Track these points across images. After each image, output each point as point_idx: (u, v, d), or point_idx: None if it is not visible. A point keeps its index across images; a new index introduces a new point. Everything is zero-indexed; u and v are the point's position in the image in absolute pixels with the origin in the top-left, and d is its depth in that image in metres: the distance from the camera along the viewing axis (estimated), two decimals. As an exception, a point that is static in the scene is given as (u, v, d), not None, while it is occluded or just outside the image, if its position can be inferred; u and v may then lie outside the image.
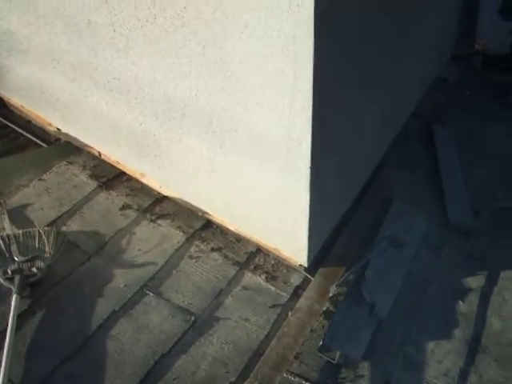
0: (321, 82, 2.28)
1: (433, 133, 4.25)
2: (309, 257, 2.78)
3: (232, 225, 2.97)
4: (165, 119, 2.81)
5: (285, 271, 2.89)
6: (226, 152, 2.69)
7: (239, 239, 3.00)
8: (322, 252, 2.93)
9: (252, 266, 2.89)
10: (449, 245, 3.34)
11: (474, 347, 2.87)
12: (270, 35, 2.26)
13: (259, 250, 2.95)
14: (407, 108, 4.23)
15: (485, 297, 3.13)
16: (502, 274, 3.29)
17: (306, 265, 2.80)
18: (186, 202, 3.07)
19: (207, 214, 3.02)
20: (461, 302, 3.04)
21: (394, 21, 3.14)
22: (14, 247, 2.79)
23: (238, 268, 2.87)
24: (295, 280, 2.86)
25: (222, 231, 3.04)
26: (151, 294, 2.72)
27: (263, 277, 2.84)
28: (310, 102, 2.30)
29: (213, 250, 2.94)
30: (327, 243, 2.99)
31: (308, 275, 2.84)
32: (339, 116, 2.67)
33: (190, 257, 2.90)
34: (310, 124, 2.35)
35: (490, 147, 4.39)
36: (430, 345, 2.82)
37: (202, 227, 3.05)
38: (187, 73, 2.59)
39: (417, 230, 3.31)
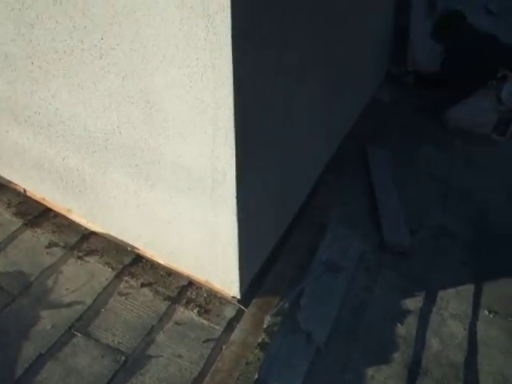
0: (244, 109, 2.24)
1: (367, 153, 4.23)
2: (241, 288, 2.71)
3: (162, 259, 2.89)
4: (87, 153, 2.72)
5: (218, 304, 2.81)
6: (152, 185, 2.62)
7: (170, 273, 2.92)
8: (255, 281, 2.87)
9: (184, 300, 2.81)
10: (386, 267, 3.32)
11: (414, 370, 2.84)
12: (188, 64, 2.21)
13: (191, 284, 2.88)
14: (342, 130, 4.22)
15: (424, 318, 3.12)
16: (440, 293, 3.28)
17: (238, 296, 2.74)
18: (115, 237, 2.98)
19: (136, 248, 2.94)
20: (399, 325, 3.00)
21: (324, 42, 3.14)
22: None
23: (169, 303, 2.78)
24: (229, 312, 2.78)
25: (153, 266, 2.95)
26: (79, 334, 2.62)
27: (195, 311, 2.76)
28: (233, 132, 2.26)
29: (143, 285, 2.85)
30: (261, 272, 2.93)
31: (242, 307, 2.77)
32: (267, 143, 2.62)
33: (120, 294, 2.80)
34: (234, 154, 2.30)
35: (424, 165, 4.42)
36: (370, 370, 2.78)
37: (132, 262, 2.96)
38: (107, 105, 2.52)
39: (353, 253, 3.28)
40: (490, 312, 3.24)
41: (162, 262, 2.90)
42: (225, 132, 2.26)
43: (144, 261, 2.97)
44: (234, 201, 2.41)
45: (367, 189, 3.91)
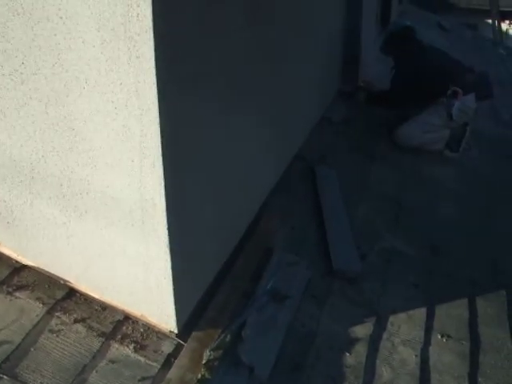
0: (172, 136, 2.13)
1: (315, 174, 4.13)
2: (179, 322, 2.58)
3: (96, 292, 2.74)
4: (13, 184, 2.58)
5: (155, 339, 2.67)
6: (81, 216, 2.48)
7: (105, 307, 2.77)
8: (195, 313, 2.74)
9: (119, 336, 2.66)
10: (334, 293, 3.22)
11: (363, 401, 2.72)
12: (112, 90, 2.10)
13: (127, 318, 2.73)
14: (290, 151, 4.12)
15: (373, 345, 3.01)
16: (391, 318, 3.19)
17: (176, 331, 2.60)
18: (46, 271, 2.82)
19: (69, 282, 2.78)
20: (348, 354, 2.89)
21: (266, 65, 3.07)
22: None
23: (103, 339, 2.63)
24: (166, 348, 2.64)
25: (87, 300, 2.80)
26: (5, 377, 2.45)
27: (131, 347, 2.61)
28: (160, 160, 2.14)
29: (76, 321, 2.69)
30: (202, 303, 2.80)
31: (180, 341, 2.63)
32: (202, 169, 2.52)
33: (51, 331, 2.64)
34: (163, 183, 2.18)
35: (375, 185, 4.34)
36: (317, 405, 2.66)
37: (65, 296, 2.80)
38: (32, 133, 2.38)
39: (299, 280, 3.17)
40: (442, 336, 3.16)
41: (96, 295, 2.75)
42: (152, 160, 2.14)
43: (78, 295, 2.82)
44: (166, 232, 2.28)
45: (316, 211, 3.81)
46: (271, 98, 3.41)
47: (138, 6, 1.93)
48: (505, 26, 18.83)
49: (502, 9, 16.03)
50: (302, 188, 4.04)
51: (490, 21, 16.31)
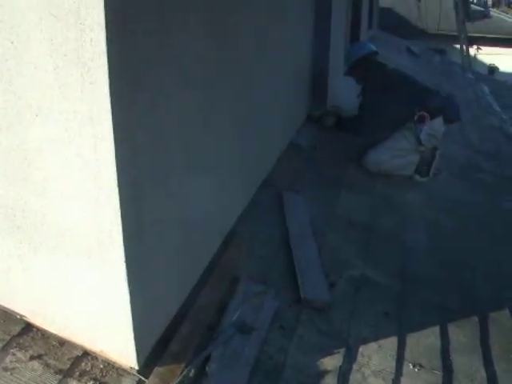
0: (129, 166, 2.04)
1: (283, 201, 4.06)
2: (139, 357, 2.47)
3: (54, 327, 2.63)
4: (-35, 215, 2.46)
5: (115, 375, 2.55)
6: (36, 249, 2.38)
7: (63, 343, 2.65)
8: (158, 348, 2.63)
9: (77, 373, 2.54)
10: (302, 324, 3.13)
11: None
12: (65, 118, 2.02)
13: (86, 354, 2.61)
14: (257, 178, 4.04)
15: (343, 377, 2.92)
16: (361, 349, 3.10)
17: (137, 367, 2.48)
18: (1, 305, 2.70)
19: (25, 317, 2.66)
20: (316, 387, 2.79)
21: (230, 88, 3.04)
22: None
23: (60, 377, 2.51)
24: (127, 385, 2.52)
25: (44, 335, 2.68)
26: (-44, 419, 2.32)
27: (90, 384, 2.49)
28: (117, 191, 2.04)
29: (32, 358, 2.57)
30: (164, 336, 2.69)
31: (142, 377, 2.52)
32: (162, 198, 2.43)
33: (5, 369, 2.51)
34: (119, 214, 2.08)
35: (345, 211, 4.28)
36: None
37: (21, 332, 2.67)
38: (-17, 162, 2.27)
39: (266, 311, 3.08)
40: (414, 366, 3.07)
41: (53, 330, 2.63)
42: (108, 191, 2.05)
43: (34, 330, 2.70)
44: (124, 265, 2.18)
45: (284, 239, 3.72)
46: (237, 123, 3.36)
47: (92, 31, 1.86)
48: (473, 51, 19.08)
49: (469, 34, 16.23)
50: (269, 215, 3.96)
51: (458, 46, 16.52)
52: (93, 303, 2.41)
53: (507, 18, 24.10)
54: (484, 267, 4.30)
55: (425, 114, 5.06)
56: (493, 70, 22.63)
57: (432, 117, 5.09)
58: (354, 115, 5.60)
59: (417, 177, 5.40)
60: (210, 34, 2.78)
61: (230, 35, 3.03)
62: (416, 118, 5.07)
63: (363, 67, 5.53)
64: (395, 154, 5.16)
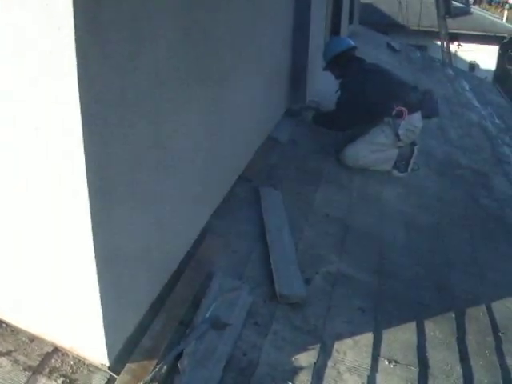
0: (98, 159, 1.98)
1: (260, 196, 4.02)
2: (110, 353, 2.43)
3: (24, 323, 2.57)
4: None
5: (86, 372, 2.51)
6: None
7: (33, 339, 2.60)
8: (130, 343, 2.58)
9: (47, 370, 2.49)
10: (277, 320, 3.09)
11: None
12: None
13: (56, 350, 2.56)
14: (233, 172, 4.00)
15: (318, 374, 2.89)
16: (337, 345, 3.07)
17: (107, 363, 2.44)
18: (-31, 300, 2.64)
19: (-6, 312, 2.61)
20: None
21: (203, 84, 2.99)
22: None
23: (30, 374, 2.46)
24: (98, 381, 2.48)
25: (13, 331, 2.63)
26: None
27: (60, 381, 2.44)
28: (85, 186, 1.99)
29: (1, 354, 2.51)
30: (137, 332, 2.65)
31: (113, 374, 2.47)
32: (132, 195, 2.39)
33: (-28, 365, 2.46)
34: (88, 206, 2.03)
35: (322, 206, 4.25)
36: None
37: (-11, 328, 2.62)
38: None
39: (241, 306, 3.04)
40: (390, 362, 3.05)
41: (23, 327, 2.58)
42: (74, 187, 2.00)
43: (4, 326, 2.65)
44: (93, 261, 2.13)
45: (260, 234, 3.69)
46: (211, 119, 3.31)
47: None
48: (454, 47, 19.14)
49: (450, 30, 16.27)
50: (245, 210, 3.92)
51: (439, 42, 16.56)
52: (63, 299, 2.36)
53: (488, 16, 24.24)
54: (462, 264, 4.29)
55: (403, 108, 5.04)
56: (473, 66, 22.75)
57: (410, 112, 5.07)
58: (331, 110, 5.56)
59: (395, 172, 5.38)
60: (182, 27, 2.73)
61: (203, 30, 2.98)
62: (394, 112, 5.03)
63: (341, 62, 5.50)
64: (373, 149, 5.14)
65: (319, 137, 5.59)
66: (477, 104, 10.11)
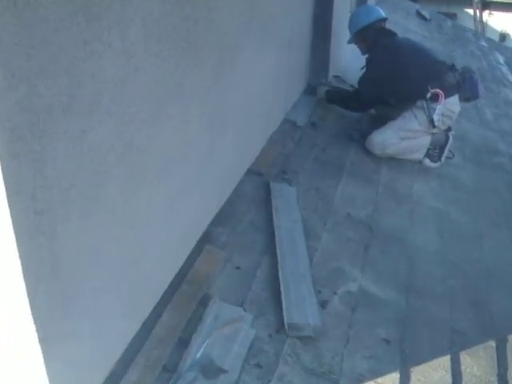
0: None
1: (271, 194, 3.42)
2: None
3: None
4: None
5: None
6: None
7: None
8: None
9: None
10: (285, 359, 2.52)
11: None
12: None
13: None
14: (241, 166, 3.40)
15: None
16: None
17: None
18: None
19: None
20: None
21: (205, 63, 2.37)
22: None
23: None
24: None
25: None
26: None
27: None
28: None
29: None
30: (110, 380, 2.07)
31: None
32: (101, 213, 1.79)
33: None
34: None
35: (343, 205, 3.65)
36: None
37: None
38: None
39: (240, 343, 2.48)
40: (419, 408, 2.46)
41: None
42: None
43: None
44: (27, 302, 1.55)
45: (269, 244, 3.10)
46: (211, 104, 2.70)
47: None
48: (484, 15, 18.36)
49: (483, -2, 15.48)
50: (253, 212, 3.33)
51: (470, 10, 15.79)
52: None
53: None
54: (502, 274, 3.68)
55: (439, 91, 4.38)
56: (504, 36, 21.93)
57: (447, 95, 4.41)
58: (349, 89, 4.92)
59: (427, 161, 4.75)
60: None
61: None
62: (429, 95, 4.38)
63: (369, 36, 4.83)
64: (404, 136, 4.51)
65: (342, 119, 4.96)
66: (512, 79, 9.38)
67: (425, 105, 4.45)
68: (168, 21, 2.05)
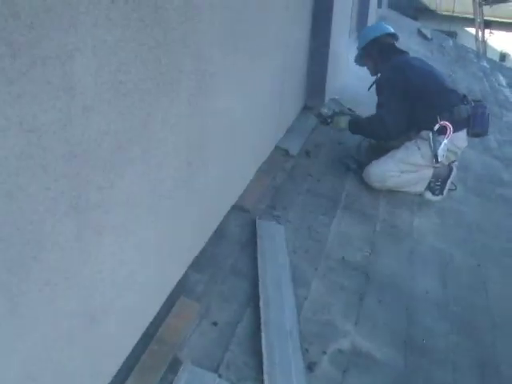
0: None
1: (257, 233, 3.07)
2: None
3: None
4: None
5: None
6: None
7: None
8: None
9: None
10: None
11: None
12: None
13: None
14: (225, 202, 3.06)
15: None
16: None
17: None
18: None
19: None
20: None
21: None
22: None
23: None
24: None
25: None
26: None
27: None
28: None
29: None
30: None
31: None
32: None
33: None
34: None
35: (336, 247, 3.31)
36: None
37: None
38: None
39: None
40: None
41: None
42: None
43: None
44: None
45: (252, 293, 2.75)
46: (194, 133, 2.36)
47: None
48: (486, 35, 18.16)
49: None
50: (236, 256, 2.99)
51: (470, 29, 15.55)
52: None
53: (523, 3, 22.97)
54: (509, 328, 3.33)
55: (448, 124, 4.02)
56: (504, 56, 21.74)
57: (456, 129, 4.05)
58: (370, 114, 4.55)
59: (428, 194, 4.40)
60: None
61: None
62: (437, 127, 4.03)
63: (378, 50, 4.47)
64: (405, 169, 4.15)
65: (339, 146, 4.62)
66: (516, 103, 9.06)
67: (431, 136, 4.09)
68: (130, 48, 1.70)
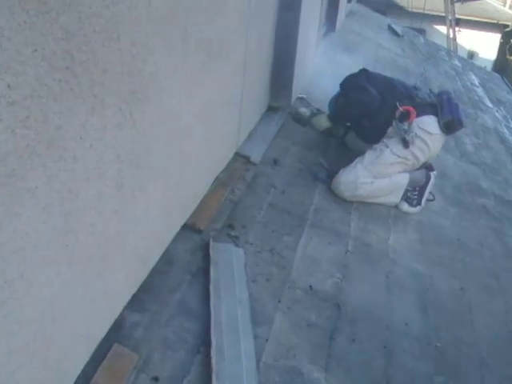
0: None
1: (210, 258, 2.62)
2: None
3: None
4: None
5: None
6: None
7: None
8: None
9: None
10: None
11: None
12: None
13: None
14: (172, 224, 2.58)
15: None
16: None
17: None
18: None
19: None
20: None
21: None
22: None
23: None
24: None
25: None
26: None
27: None
28: None
29: None
30: None
31: None
32: None
33: None
34: None
35: (303, 273, 2.87)
36: None
37: None
38: None
39: None
40: None
41: None
42: None
43: None
44: None
45: (202, 336, 2.29)
46: (129, 147, 1.87)
47: None
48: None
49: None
50: (184, 289, 2.51)
51: (439, 27, 15.33)
52: None
53: (492, 2, 22.85)
54: (497, 364, 2.93)
55: (409, 107, 3.66)
56: (472, 54, 21.64)
57: (419, 113, 3.70)
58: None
59: (405, 206, 3.99)
60: None
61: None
62: (397, 114, 3.65)
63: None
64: (376, 173, 3.72)
65: (308, 152, 4.16)
66: (489, 103, 8.70)
67: (394, 124, 3.70)
68: (24, 40, 1.22)
